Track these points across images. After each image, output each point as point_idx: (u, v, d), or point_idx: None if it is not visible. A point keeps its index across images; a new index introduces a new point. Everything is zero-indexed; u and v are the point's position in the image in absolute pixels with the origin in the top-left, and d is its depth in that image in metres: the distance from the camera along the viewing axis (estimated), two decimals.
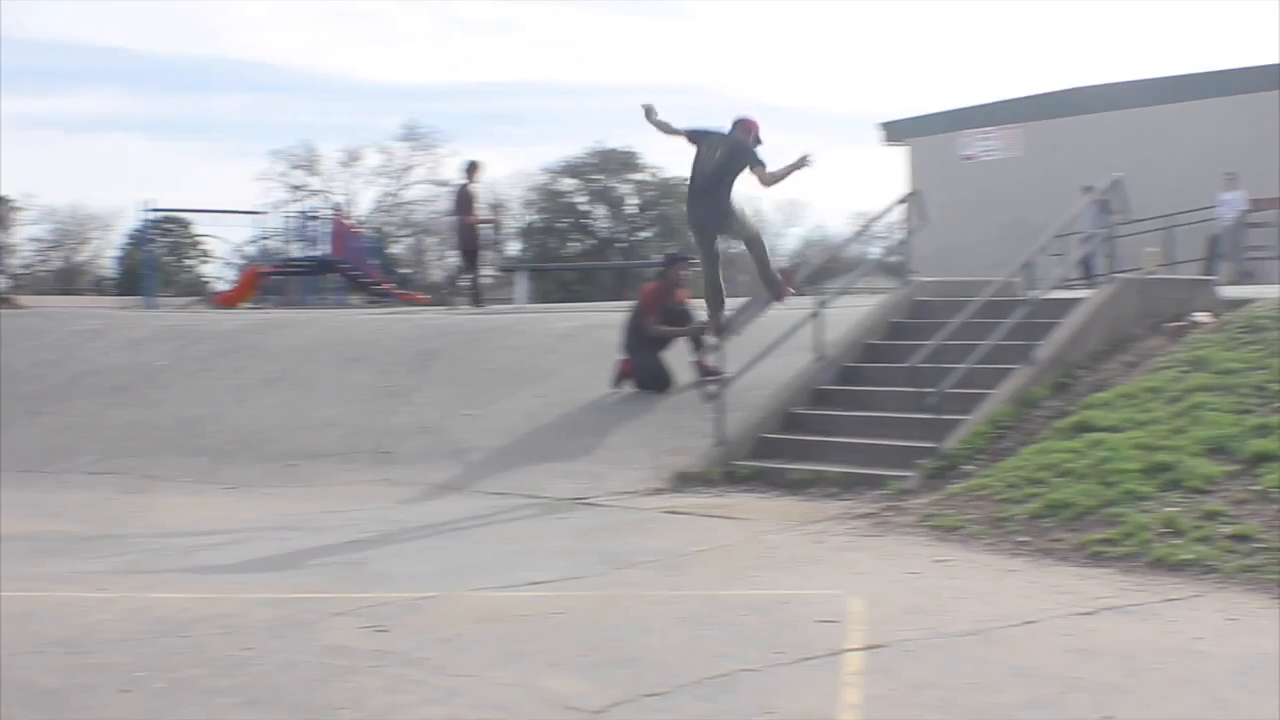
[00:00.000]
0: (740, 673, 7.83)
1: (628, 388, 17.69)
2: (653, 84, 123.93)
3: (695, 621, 9.19)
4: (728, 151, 15.51)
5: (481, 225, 27.90)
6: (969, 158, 39.89)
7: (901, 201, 19.61)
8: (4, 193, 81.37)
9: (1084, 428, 13.45)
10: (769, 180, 15.60)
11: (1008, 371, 15.18)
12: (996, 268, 17.83)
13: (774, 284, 16.59)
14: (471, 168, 27.32)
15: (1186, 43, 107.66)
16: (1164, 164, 32.75)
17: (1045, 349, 15.46)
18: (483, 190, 27.57)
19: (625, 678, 7.78)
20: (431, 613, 9.61)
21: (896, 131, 42.58)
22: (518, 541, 12.53)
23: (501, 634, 8.92)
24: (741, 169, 15.50)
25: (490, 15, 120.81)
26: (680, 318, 17.73)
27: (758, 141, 15.60)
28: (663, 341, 17.64)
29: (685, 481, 15.08)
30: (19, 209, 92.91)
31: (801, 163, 15.53)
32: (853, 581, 10.31)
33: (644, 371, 17.61)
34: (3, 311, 32.99)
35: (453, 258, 30.48)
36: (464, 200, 27.05)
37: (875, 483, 13.99)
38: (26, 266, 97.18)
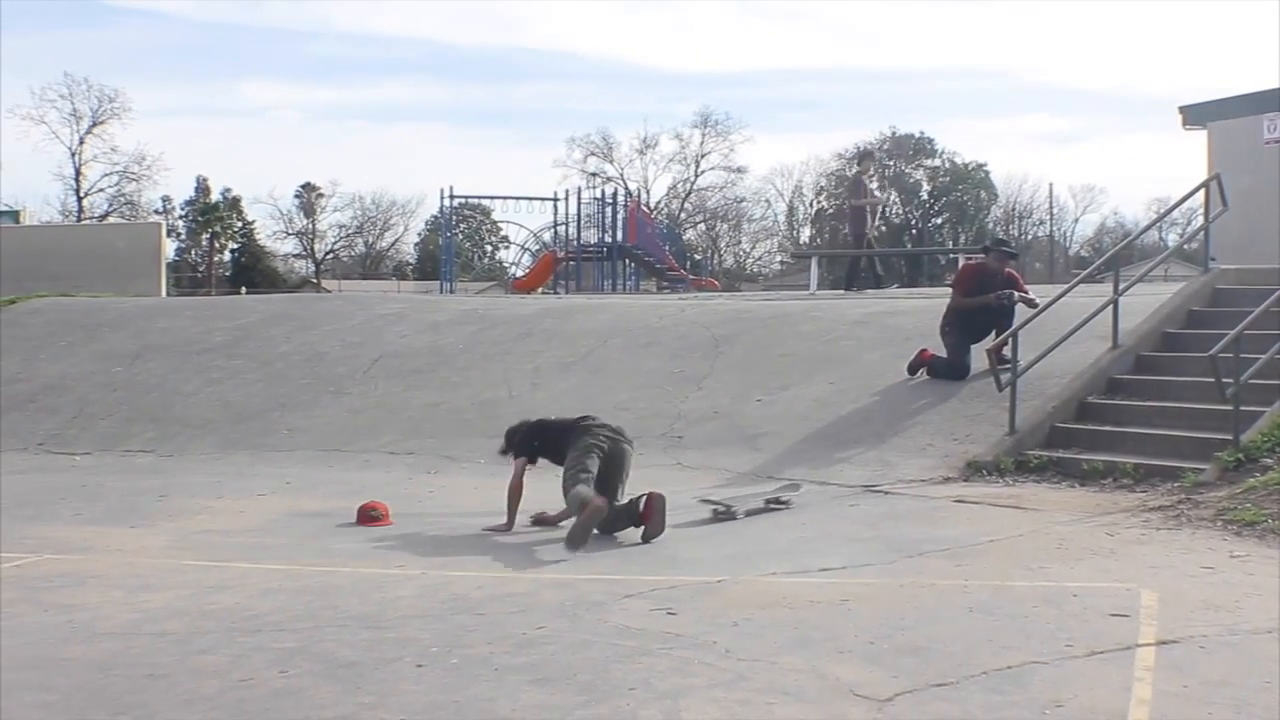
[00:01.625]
0: (1029, 665, 7.76)
1: (923, 375, 17.57)
2: (949, 69, 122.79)
3: (984, 612, 9.12)
4: None
5: (870, 211, 28.09)
6: (1274, 141, 38.74)
7: (1201, 187, 19.16)
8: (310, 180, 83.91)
9: None
10: None
11: None
12: None
13: None
14: (862, 156, 27.71)
15: None
16: None
17: None
18: (872, 179, 27.85)
19: (913, 667, 7.76)
20: (720, 597, 9.69)
21: (1196, 115, 41.45)
22: (807, 528, 12.54)
23: (790, 620, 8.95)
24: None
25: (785, 3, 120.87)
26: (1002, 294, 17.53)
27: None
28: (968, 325, 17.44)
29: (976, 470, 14.94)
30: (324, 195, 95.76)
31: None
32: (1146, 575, 10.13)
33: (941, 360, 17.51)
34: (309, 295, 34.05)
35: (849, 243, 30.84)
36: (855, 188, 27.41)
37: (1170, 475, 13.72)
38: (331, 251, 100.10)
